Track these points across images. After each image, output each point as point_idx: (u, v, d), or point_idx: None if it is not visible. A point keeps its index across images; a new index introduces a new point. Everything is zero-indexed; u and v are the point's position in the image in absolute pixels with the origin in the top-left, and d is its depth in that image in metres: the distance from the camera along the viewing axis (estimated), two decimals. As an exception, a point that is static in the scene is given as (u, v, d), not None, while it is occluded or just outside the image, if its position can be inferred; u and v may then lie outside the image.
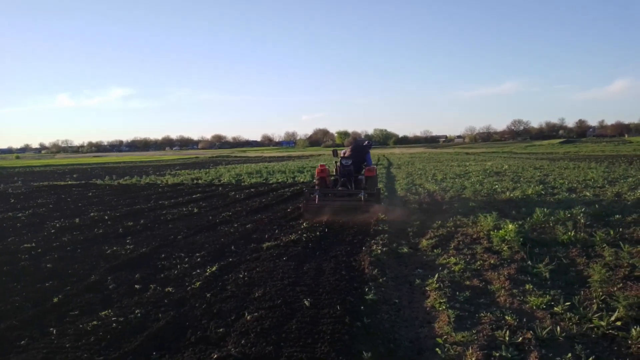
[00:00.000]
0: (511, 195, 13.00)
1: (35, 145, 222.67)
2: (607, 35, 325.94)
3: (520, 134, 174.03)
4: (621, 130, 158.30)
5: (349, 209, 10.50)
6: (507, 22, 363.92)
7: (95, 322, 4.58)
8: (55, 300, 5.27)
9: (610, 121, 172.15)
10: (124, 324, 4.55)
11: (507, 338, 4.00)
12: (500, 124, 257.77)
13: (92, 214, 12.18)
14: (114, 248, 7.97)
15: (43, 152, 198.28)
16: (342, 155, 11.96)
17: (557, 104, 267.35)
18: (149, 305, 5.08)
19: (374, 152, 66.60)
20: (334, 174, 12.32)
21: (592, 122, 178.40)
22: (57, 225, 10.41)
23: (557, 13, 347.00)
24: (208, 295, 5.35)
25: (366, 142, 12.57)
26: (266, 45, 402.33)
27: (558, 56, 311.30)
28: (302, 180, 22.14)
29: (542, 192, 13.41)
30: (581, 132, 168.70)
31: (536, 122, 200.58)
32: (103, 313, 4.85)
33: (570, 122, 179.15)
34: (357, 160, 11.85)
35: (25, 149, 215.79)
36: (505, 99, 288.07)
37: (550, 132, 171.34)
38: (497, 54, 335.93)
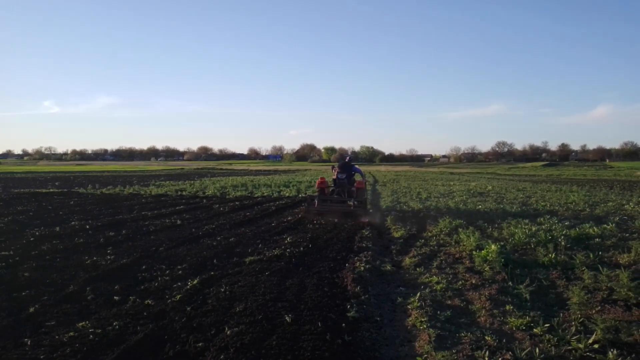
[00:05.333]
0: (494, 216, 13.13)
1: (17, 151, 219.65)
2: (591, 61, 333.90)
3: (504, 156, 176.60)
4: (603, 155, 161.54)
5: (342, 213, 12.98)
6: (493, 46, 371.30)
7: (71, 334, 4.50)
8: (32, 310, 5.16)
9: (592, 146, 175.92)
10: (101, 336, 4.47)
11: (486, 358, 4.02)
12: (484, 145, 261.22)
13: (73, 222, 12.00)
14: (94, 258, 7.84)
15: (25, 158, 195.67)
16: (336, 170, 14.58)
17: (540, 127, 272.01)
18: (127, 318, 5.00)
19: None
20: (331, 185, 14.64)
21: (575, 146, 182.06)
22: (37, 233, 10.22)
23: (542, 38, 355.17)
24: (188, 308, 5.28)
25: (347, 158, 15.11)
26: (256, 60, 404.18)
27: (543, 80, 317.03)
28: (287, 194, 22.12)
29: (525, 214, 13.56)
30: (564, 155, 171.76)
31: (520, 144, 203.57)
32: (80, 324, 4.76)
33: (553, 146, 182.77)
34: (349, 174, 14.34)
35: (7, 154, 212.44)
36: (490, 121, 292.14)
37: (534, 154, 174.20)
38: (484, 76, 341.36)
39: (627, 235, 9.82)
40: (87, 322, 4.84)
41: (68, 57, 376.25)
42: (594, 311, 5.16)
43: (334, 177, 14.50)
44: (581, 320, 4.88)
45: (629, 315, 5.09)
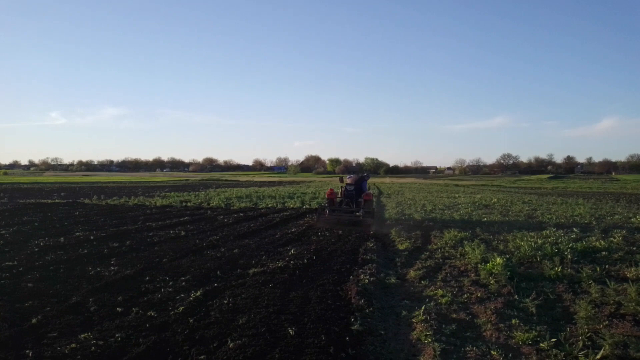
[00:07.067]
0: (499, 228, 13.06)
1: (24, 162, 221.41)
2: (596, 74, 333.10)
3: (509, 168, 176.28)
4: (608, 167, 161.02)
5: (350, 222, 14.02)
6: (499, 58, 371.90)
7: (73, 345, 4.48)
8: (34, 321, 5.15)
9: (597, 158, 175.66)
10: (103, 347, 4.45)
11: (492, 374, 3.96)
12: (490, 158, 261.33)
13: (77, 233, 12.02)
14: (98, 269, 7.85)
15: (32, 169, 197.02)
16: (346, 182, 15.70)
17: (546, 140, 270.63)
18: (130, 329, 4.97)
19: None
20: (340, 196, 15.49)
21: (580, 158, 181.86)
22: (41, 243, 10.25)
23: (547, 51, 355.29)
24: (191, 320, 5.26)
25: (366, 174, 16.77)
26: (261, 72, 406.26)
27: (548, 93, 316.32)
28: (292, 206, 22.08)
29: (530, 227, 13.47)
30: (569, 168, 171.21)
31: (525, 157, 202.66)
32: (82, 336, 4.74)
33: (559, 158, 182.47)
34: (358, 187, 15.34)
35: (14, 165, 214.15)
36: (495, 134, 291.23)
37: (539, 167, 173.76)
38: (489, 89, 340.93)
39: (634, 248, 9.72)
40: (90, 333, 4.82)
41: (75, 69, 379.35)
42: (601, 326, 5.09)
43: (343, 188, 15.41)
44: (589, 335, 4.81)
45: (637, 331, 5.01)
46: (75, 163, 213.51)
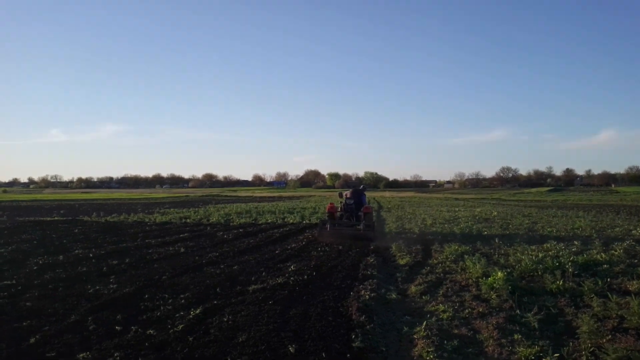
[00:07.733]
0: (500, 242, 13.02)
1: (24, 179, 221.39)
2: (594, 86, 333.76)
3: (508, 181, 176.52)
4: (608, 180, 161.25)
5: (351, 236, 13.99)
6: (496, 72, 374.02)
7: (71, 365, 4.43)
8: (32, 340, 5.11)
9: (597, 171, 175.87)
10: (101, 367, 4.40)
11: (495, 390, 3.91)
12: (489, 171, 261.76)
13: (76, 251, 11.98)
14: (97, 287, 7.80)
15: (31, 186, 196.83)
16: (345, 196, 15.81)
17: (545, 152, 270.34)
18: (128, 348, 4.93)
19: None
20: (340, 210, 15.69)
21: (580, 171, 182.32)
22: (40, 262, 10.20)
23: (545, 64, 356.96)
24: (190, 339, 5.21)
25: (361, 186, 16.78)
26: (260, 88, 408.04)
27: (546, 106, 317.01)
28: (292, 221, 22.06)
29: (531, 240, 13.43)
30: (569, 180, 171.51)
31: (524, 169, 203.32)
32: (81, 355, 4.70)
33: (558, 171, 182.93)
34: (357, 200, 15.50)
35: (14, 183, 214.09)
36: (494, 147, 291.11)
37: (538, 180, 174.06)
38: (487, 102, 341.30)
39: (636, 261, 9.69)
40: (88, 353, 4.78)
41: (75, 86, 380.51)
42: (604, 340, 5.05)
43: (343, 202, 15.71)
44: (592, 349, 4.77)
45: (640, 345, 4.97)
46: (75, 180, 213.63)
